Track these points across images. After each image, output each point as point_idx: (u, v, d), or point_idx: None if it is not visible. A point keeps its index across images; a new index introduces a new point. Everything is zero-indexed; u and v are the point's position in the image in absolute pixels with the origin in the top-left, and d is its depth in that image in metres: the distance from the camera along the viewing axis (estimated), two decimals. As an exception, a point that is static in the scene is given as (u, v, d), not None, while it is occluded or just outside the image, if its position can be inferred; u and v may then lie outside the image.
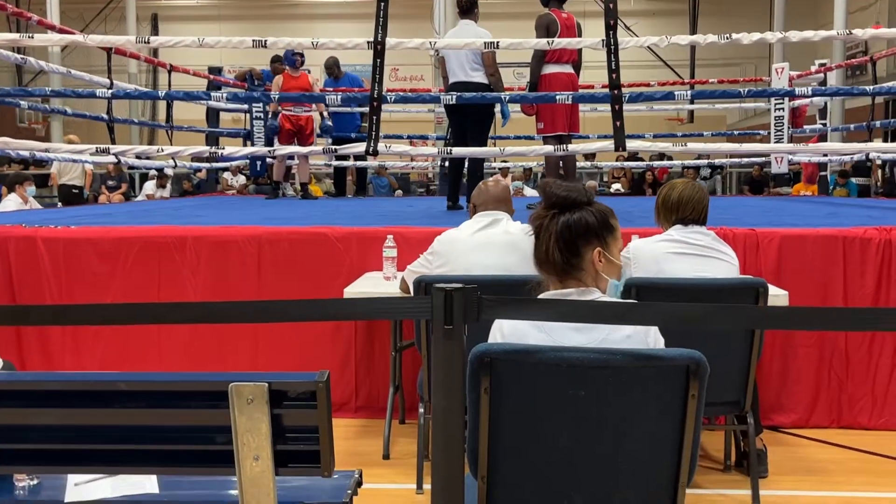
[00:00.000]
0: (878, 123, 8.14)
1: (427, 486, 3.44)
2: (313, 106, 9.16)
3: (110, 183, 15.19)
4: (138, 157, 7.51)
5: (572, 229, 2.11)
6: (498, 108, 6.90)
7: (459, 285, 1.79)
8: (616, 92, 5.04)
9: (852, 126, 9.67)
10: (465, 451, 1.85)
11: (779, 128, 9.44)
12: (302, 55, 8.95)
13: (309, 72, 9.25)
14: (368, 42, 5.14)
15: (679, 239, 3.41)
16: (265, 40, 5.30)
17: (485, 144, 6.89)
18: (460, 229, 3.63)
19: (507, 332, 2.03)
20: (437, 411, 1.81)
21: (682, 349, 1.89)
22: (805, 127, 10.16)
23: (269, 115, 8.84)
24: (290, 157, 9.26)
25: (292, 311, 1.87)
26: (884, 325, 1.81)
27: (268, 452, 1.79)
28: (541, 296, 2.12)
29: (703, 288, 3.22)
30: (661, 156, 15.61)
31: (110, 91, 6.19)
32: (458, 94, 5.77)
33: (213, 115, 11.34)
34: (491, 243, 3.49)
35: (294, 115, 9.02)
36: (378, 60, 5.03)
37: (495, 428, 1.94)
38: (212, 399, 1.81)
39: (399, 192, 16.07)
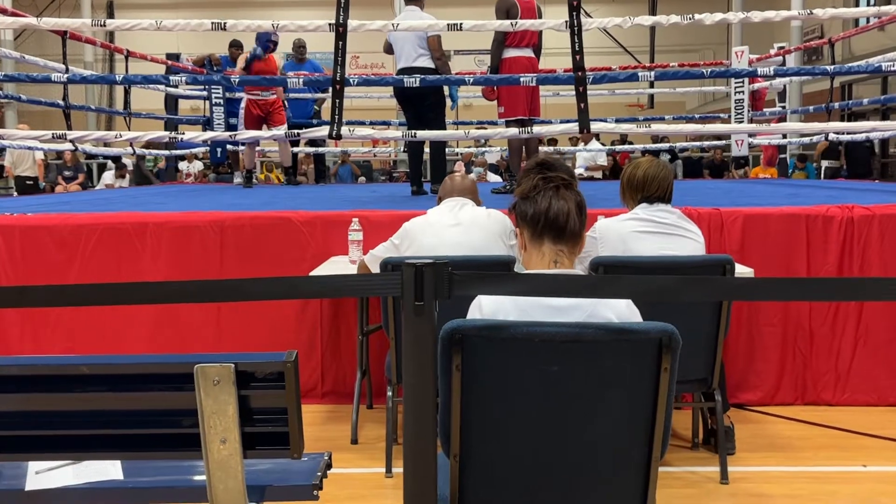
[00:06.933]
0: (836, 105, 8.22)
1: (396, 470, 3.42)
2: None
3: (67, 173, 14.96)
4: (95, 143, 7.35)
5: (582, 206, 2.10)
6: (446, 91, 6.88)
7: (430, 260, 1.76)
8: (580, 74, 5.02)
9: (811, 108, 9.76)
10: (436, 430, 1.83)
11: (739, 111, 9.51)
12: (276, 42, 8.78)
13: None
14: (330, 24, 5.08)
15: (645, 217, 3.41)
16: (224, 23, 5.22)
17: (443, 128, 6.87)
18: (427, 215, 3.63)
19: (486, 311, 2.00)
20: (408, 390, 1.78)
21: (655, 322, 1.88)
22: (765, 110, 10.26)
23: (238, 104, 8.64)
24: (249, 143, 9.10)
25: (258, 288, 1.82)
26: (856, 295, 1.81)
27: (235, 435, 1.75)
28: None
29: (670, 265, 3.21)
30: (623, 141, 15.69)
31: (66, 76, 6.05)
32: (422, 77, 5.72)
33: (171, 103, 11.16)
34: (456, 224, 3.50)
35: (262, 99, 8.80)
36: (340, 43, 4.97)
37: (467, 405, 1.92)
38: (177, 381, 1.77)
39: (362, 178, 16.00)
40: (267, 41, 8.63)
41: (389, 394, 3.53)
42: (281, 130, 7.85)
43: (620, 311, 2.01)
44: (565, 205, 2.06)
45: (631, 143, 14.92)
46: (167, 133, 6.19)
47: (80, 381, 1.82)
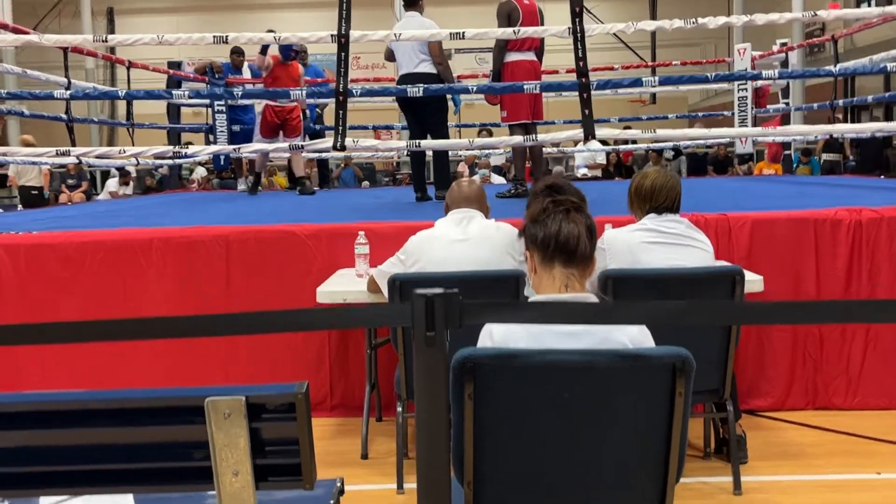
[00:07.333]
0: (840, 102, 8.18)
1: (408, 486, 3.40)
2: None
3: (70, 182, 14.97)
4: (100, 157, 7.34)
5: (593, 229, 2.10)
6: (448, 95, 6.88)
7: (440, 290, 1.74)
8: (584, 80, 5.00)
9: (815, 105, 9.72)
10: (450, 459, 1.81)
11: (742, 109, 9.47)
12: (297, 51, 8.67)
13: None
14: (332, 35, 5.06)
15: (653, 228, 3.39)
16: (226, 36, 5.21)
17: (446, 132, 6.87)
18: (433, 229, 3.57)
19: (497, 338, 1.99)
20: (421, 421, 1.77)
21: (668, 347, 1.86)
22: (769, 107, 10.22)
23: (241, 111, 8.50)
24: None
25: (268, 322, 1.81)
26: (867, 317, 1.79)
27: (247, 467, 1.75)
28: (531, 300, 2.06)
29: (679, 277, 3.20)
30: (626, 139, 15.67)
31: (68, 92, 6.04)
32: (425, 85, 5.70)
33: (173, 111, 11.16)
34: (464, 239, 3.45)
35: (279, 105, 8.60)
36: (342, 54, 4.95)
37: (480, 433, 1.91)
38: (188, 414, 1.76)
39: (366, 183, 15.98)
40: (289, 51, 8.52)
41: (399, 409, 3.51)
42: (296, 140, 7.79)
43: (633, 334, 1.99)
44: (575, 228, 2.05)
45: (634, 142, 14.92)
46: (171, 147, 6.16)
47: (90, 416, 1.81)
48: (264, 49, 8.37)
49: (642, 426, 1.90)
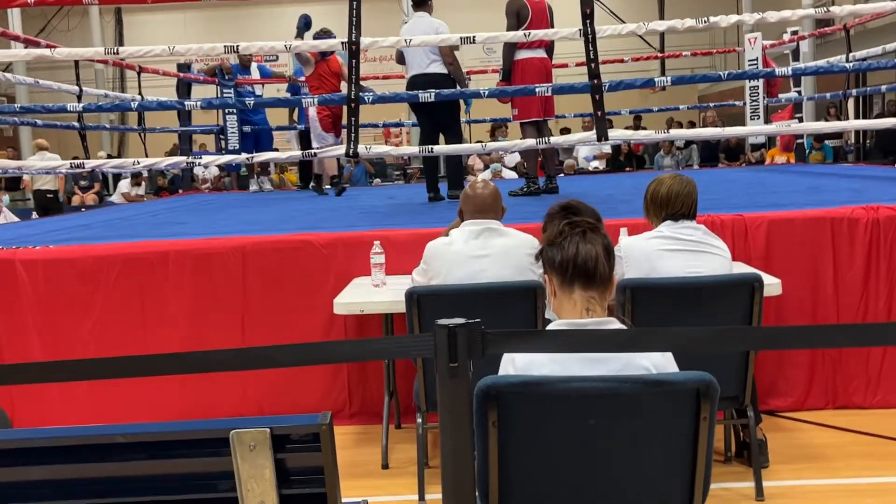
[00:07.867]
0: (854, 92, 8.12)
1: (429, 497, 3.41)
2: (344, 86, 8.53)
3: (83, 183, 15.04)
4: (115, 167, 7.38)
5: (610, 249, 2.09)
6: None
7: (462, 320, 1.74)
8: (596, 82, 4.98)
9: (828, 95, 9.65)
10: (475, 490, 1.82)
11: (754, 99, 9.41)
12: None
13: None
14: (343, 43, 5.06)
15: (670, 235, 3.37)
16: (237, 46, 5.21)
17: (459, 131, 6.87)
18: (451, 240, 3.51)
19: (519, 364, 1.98)
20: (446, 449, 1.77)
21: (692, 372, 1.86)
22: (780, 96, 10.16)
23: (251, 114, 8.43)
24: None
25: (289, 356, 1.82)
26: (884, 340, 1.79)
27: (273, 498, 1.76)
28: (553, 325, 2.06)
29: (697, 286, 3.19)
30: (637, 126, 15.60)
31: (81, 105, 6.06)
32: (436, 91, 5.68)
33: (184, 112, 11.16)
34: (484, 255, 3.40)
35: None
36: (353, 61, 4.94)
37: (505, 461, 1.91)
38: (213, 447, 1.77)
39: (377, 180, 15.97)
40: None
41: (419, 420, 3.51)
42: (292, 153, 7.73)
43: (655, 358, 1.98)
44: (593, 249, 2.04)
45: (644, 128, 14.88)
46: (184, 159, 6.16)
47: (115, 449, 1.83)
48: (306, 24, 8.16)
49: (667, 451, 1.90)
